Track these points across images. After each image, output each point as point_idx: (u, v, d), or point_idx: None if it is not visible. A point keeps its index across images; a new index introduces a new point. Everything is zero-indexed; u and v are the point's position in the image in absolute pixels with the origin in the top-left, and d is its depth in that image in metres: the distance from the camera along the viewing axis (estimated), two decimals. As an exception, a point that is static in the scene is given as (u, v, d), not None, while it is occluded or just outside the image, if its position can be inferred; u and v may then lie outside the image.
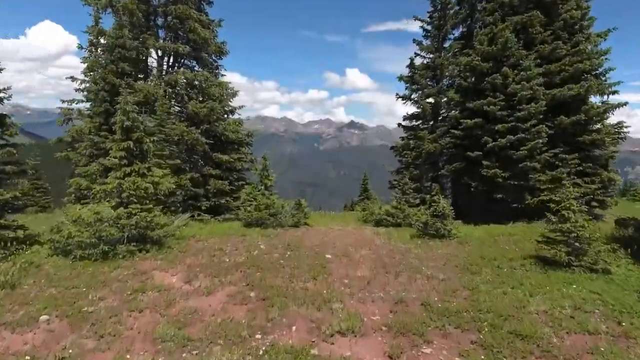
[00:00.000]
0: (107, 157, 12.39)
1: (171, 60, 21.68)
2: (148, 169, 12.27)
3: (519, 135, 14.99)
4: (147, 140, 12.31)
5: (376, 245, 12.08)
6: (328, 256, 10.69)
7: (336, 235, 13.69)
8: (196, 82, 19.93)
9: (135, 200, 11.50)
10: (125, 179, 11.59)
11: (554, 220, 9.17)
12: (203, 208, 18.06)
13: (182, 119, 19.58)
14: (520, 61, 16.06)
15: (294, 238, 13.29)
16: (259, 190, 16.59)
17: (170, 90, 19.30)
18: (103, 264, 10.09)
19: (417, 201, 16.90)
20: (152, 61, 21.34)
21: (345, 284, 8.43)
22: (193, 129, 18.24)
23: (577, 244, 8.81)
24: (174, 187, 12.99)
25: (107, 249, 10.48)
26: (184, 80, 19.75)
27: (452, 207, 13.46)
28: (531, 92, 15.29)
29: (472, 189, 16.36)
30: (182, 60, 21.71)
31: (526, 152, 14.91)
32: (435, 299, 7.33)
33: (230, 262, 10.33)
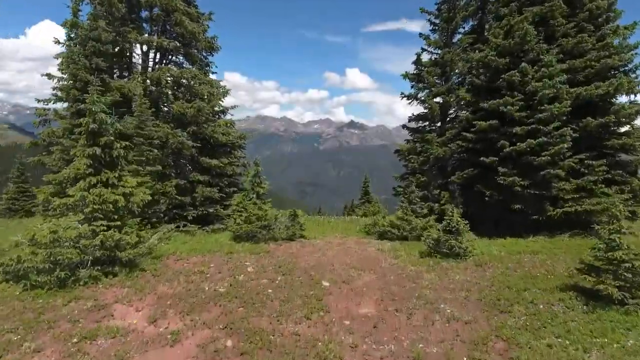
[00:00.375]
0: (71, 166, 10.76)
1: (157, 56, 20.04)
2: (119, 179, 10.62)
3: (540, 139, 13.35)
4: (118, 145, 10.67)
5: (381, 267, 10.46)
6: (326, 284, 9.06)
7: (335, 253, 12.07)
8: (183, 80, 18.29)
9: (101, 216, 9.87)
10: (90, 190, 9.96)
11: (600, 246, 7.53)
12: (190, 218, 16.41)
13: (168, 120, 17.97)
14: (541, 56, 14.41)
15: (287, 256, 11.68)
16: (249, 199, 14.97)
17: (154, 88, 17.66)
18: (58, 294, 8.49)
19: (425, 211, 15.27)
20: (138, 58, 19.74)
21: (346, 327, 6.81)
22: (178, 131, 16.61)
23: (629, 275, 7.19)
24: (150, 198, 11.34)
25: (64, 275, 8.87)
26: (169, 78, 18.11)
27: (465, 220, 11.85)
28: (554, 90, 13.65)
29: (486, 198, 14.72)
30: (170, 57, 20.07)
31: (548, 157, 13.27)
32: (464, 357, 5.71)
33: (209, 291, 8.71)
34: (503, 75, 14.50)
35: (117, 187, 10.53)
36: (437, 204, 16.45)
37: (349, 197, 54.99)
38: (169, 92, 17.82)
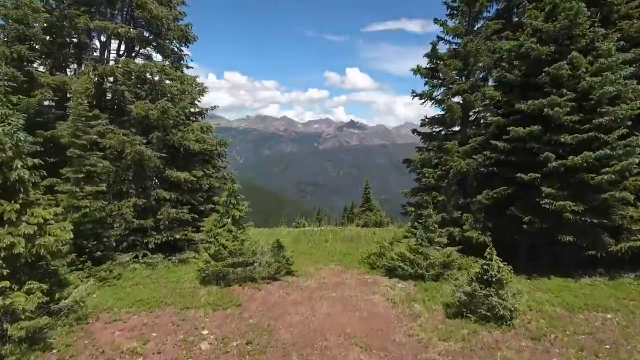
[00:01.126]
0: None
1: (123, 47, 16.79)
2: (21, 212, 7.40)
3: (600, 152, 10.13)
4: (20, 164, 7.44)
5: (395, 341, 7.24)
6: (312, 387, 5.86)
7: (329, 308, 8.85)
8: (148, 75, 15.02)
9: (-20, 273, 6.66)
10: (-32, 233, 6.75)
11: None
12: (151, 246, 13.20)
13: (132, 124, 14.72)
14: (596, 44, 11.20)
15: (264, 315, 8.47)
16: (222, 225, 11.75)
17: (109, 85, 14.45)
18: None
19: (445, 239, 12.02)
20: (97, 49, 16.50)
21: None
22: (137, 138, 13.37)
23: None
24: (72, 235, 8.09)
25: None
26: (134, 73, 14.83)
27: (505, 262, 8.66)
28: (618, 87, 10.44)
29: (523, 225, 11.49)
30: (137, 48, 16.81)
31: (612, 175, 10.06)
32: None
33: (127, 403, 5.52)
34: (546, 68, 11.25)
35: (17, 224, 7.29)
36: (457, 229, 13.20)
37: (348, 197, 52.27)
38: (128, 90, 14.52)
